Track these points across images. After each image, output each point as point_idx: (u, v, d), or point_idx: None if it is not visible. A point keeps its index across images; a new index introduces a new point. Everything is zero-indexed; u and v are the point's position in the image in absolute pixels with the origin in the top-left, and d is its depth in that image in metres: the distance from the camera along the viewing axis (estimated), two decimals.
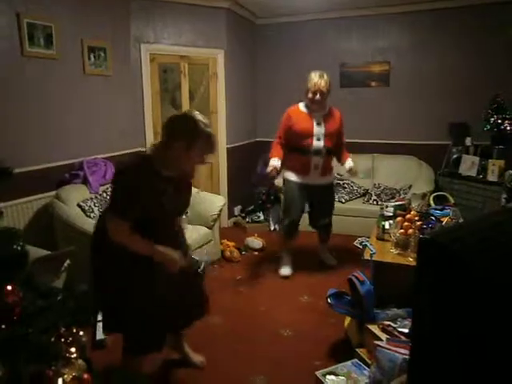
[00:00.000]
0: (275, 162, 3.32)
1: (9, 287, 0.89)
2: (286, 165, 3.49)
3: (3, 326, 0.83)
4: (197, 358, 2.40)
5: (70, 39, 3.40)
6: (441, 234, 1.06)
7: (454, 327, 0.91)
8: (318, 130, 3.34)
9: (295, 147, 3.39)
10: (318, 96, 3.25)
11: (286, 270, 3.59)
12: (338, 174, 5.07)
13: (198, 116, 1.77)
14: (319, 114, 3.37)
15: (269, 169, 3.31)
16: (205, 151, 1.78)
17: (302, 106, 3.42)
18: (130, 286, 1.83)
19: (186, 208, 2.08)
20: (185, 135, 1.72)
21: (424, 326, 0.96)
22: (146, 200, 1.72)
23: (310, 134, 3.32)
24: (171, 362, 2.41)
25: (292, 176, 3.48)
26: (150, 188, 1.72)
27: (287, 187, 3.54)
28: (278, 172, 3.36)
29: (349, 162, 3.48)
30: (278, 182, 4.45)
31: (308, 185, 3.44)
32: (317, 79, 3.23)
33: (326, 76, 3.27)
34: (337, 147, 3.50)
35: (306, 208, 3.68)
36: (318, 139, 3.34)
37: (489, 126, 4.14)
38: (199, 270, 2.10)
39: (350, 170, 3.47)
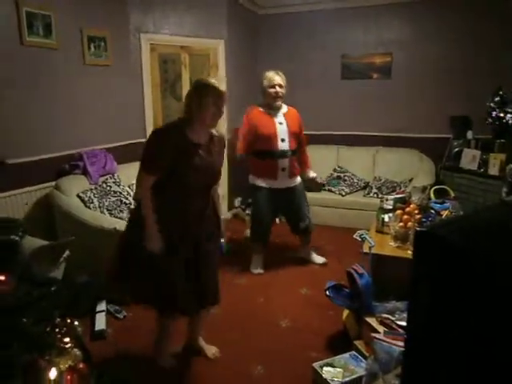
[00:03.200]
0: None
1: (1, 277, 0.89)
2: (252, 171, 3.43)
3: None
4: (210, 350, 2.45)
5: (70, 28, 3.37)
6: (437, 227, 1.05)
7: (451, 319, 0.90)
8: (281, 129, 3.28)
9: (260, 151, 3.31)
10: (278, 88, 3.25)
11: (257, 269, 3.57)
12: (338, 167, 5.06)
13: (207, 78, 2.08)
14: (279, 113, 3.31)
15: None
16: (216, 100, 1.98)
17: (260, 108, 3.39)
18: (152, 256, 2.00)
19: (215, 176, 2.19)
20: (195, 90, 2.01)
21: (420, 318, 0.96)
22: (171, 158, 1.93)
23: (274, 136, 3.25)
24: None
25: (260, 182, 3.39)
26: (177, 148, 1.94)
27: (256, 194, 3.44)
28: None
29: (311, 172, 3.60)
30: None
31: (277, 189, 3.37)
32: (273, 74, 3.27)
33: (280, 73, 3.31)
34: (299, 149, 3.46)
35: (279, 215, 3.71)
36: (283, 140, 3.28)
37: (490, 120, 4.11)
38: None
39: (315, 179, 3.59)
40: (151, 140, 2.01)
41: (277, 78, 3.25)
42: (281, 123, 3.29)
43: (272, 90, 3.24)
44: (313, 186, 3.82)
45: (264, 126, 3.27)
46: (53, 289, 1.08)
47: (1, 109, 2.90)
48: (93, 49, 3.60)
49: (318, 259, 3.74)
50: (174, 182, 1.99)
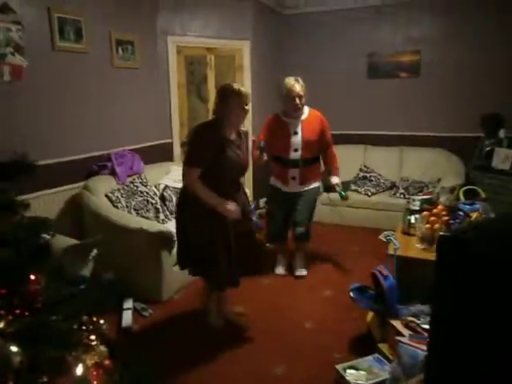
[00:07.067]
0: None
1: (32, 276, 0.93)
2: (272, 172, 3.46)
3: (26, 314, 0.87)
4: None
5: (99, 33, 3.46)
6: (462, 231, 1.03)
7: (474, 327, 0.88)
8: (295, 140, 3.21)
9: (275, 156, 3.29)
10: (297, 100, 3.11)
11: (279, 270, 3.57)
12: (364, 166, 5.00)
13: (233, 84, 2.44)
14: (296, 122, 3.22)
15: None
16: (242, 103, 2.35)
17: (280, 114, 3.31)
18: (204, 235, 2.36)
19: (246, 166, 2.56)
20: (224, 95, 2.36)
21: (442, 324, 0.94)
22: (212, 153, 2.27)
23: (287, 146, 3.21)
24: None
25: (275, 182, 3.43)
26: (215, 143, 2.28)
27: (270, 193, 3.52)
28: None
29: (334, 179, 3.41)
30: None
31: (288, 192, 3.37)
32: (293, 83, 3.12)
33: (300, 80, 3.17)
34: (323, 154, 3.42)
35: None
36: (296, 150, 3.23)
37: None
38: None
39: (334, 186, 3.40)
40: (195, 138, 2.37)
41: (297, 87, 3.11)
42: (296, 133, 3.21)
43: (291, 102, 3.13)
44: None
45: (279, 136, 3.23)
46: (81, 287, 1.12)
47: (34, 112, 3.00)
48: (121, 52, 3.69)
49: (300, 271, 3.52)
50: (210, 176, 2.28)
